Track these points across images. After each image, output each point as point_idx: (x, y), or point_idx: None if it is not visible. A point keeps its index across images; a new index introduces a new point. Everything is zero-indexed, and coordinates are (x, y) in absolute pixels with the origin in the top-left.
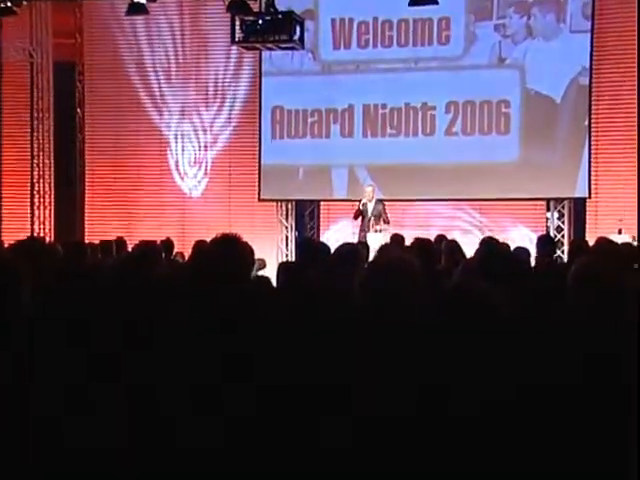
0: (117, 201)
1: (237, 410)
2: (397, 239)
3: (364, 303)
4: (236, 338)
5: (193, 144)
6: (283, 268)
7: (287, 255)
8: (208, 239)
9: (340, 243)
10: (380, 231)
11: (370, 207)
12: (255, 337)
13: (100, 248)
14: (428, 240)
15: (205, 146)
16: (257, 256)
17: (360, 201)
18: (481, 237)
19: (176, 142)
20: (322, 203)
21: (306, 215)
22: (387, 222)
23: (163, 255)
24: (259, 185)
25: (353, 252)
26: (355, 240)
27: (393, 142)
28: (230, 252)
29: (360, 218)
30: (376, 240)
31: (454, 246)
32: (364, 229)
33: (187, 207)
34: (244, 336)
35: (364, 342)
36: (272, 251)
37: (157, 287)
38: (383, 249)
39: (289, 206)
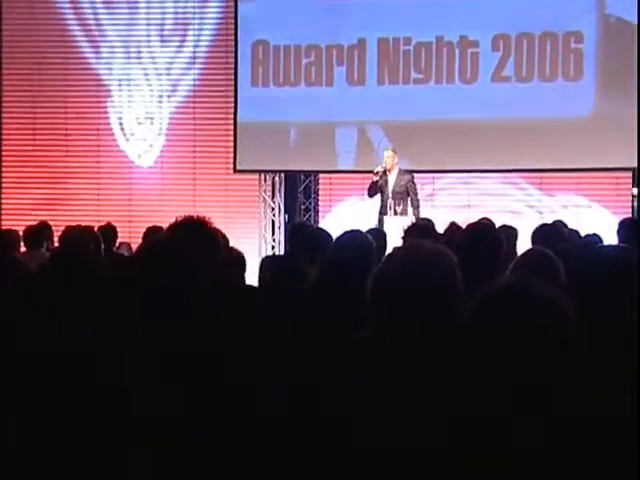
0: (39, 174)
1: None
2: (423, 224)
3: (376, 324)
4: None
5: (143, 94)
6: (268, 265)
7: (273, 247)
8: (164, 225)
9: (345, 231)
10: (401, 213)
11: (392, 179)
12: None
13: (24, 237)
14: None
15: (160, 96)
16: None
17: (376, 172)
18: (540, 222)
19: (120, 91)
20: (322, 176)
21: (299, 192)
22: (416, 204)
23: (102, 246)
24: (235, 151)
25: (361, 246)
26: (371, 226)
27: (419, 91)
28: (195, 243)
29: (379, 194)
30: (395, 226)
31: (507, 233)
32: (382, 211)
33: (135, 181)
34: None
35: (374, 384)
36: (253, 241)
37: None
38: (407, 239)
39: (276, 180)
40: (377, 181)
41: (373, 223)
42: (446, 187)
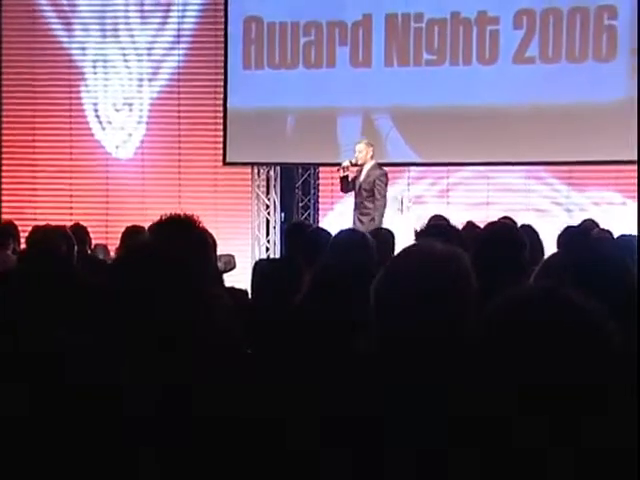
0: (3, 168)
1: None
2: (437, 223)
3: (381, 327)
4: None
5: (121, 77)
6: (262, 270)
7: (268, 249)
8: (145, 225)
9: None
10: (366, 214)
11: (363, 174)
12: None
13: None
14: (499, 225)
15: (140, 80)
16: (221, 251)
17: (341, 167)
18: (568, 221)
19: (95, 74)
20: (322, 170)
21: (297, 188)
22: (379, 204)
23: (75, 248)
24: (224, 141)
25: (359, 247)
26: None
27: (432, 74)
28: (180, 244)
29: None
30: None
31: (530, 234)
32: (354, 205)
33: (112, 175)
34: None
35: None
36: (245, 243)
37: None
38: (419, 238)
39: (271, 174)
40: (346, 176)
41: (384, 220)
42: (462, 182)
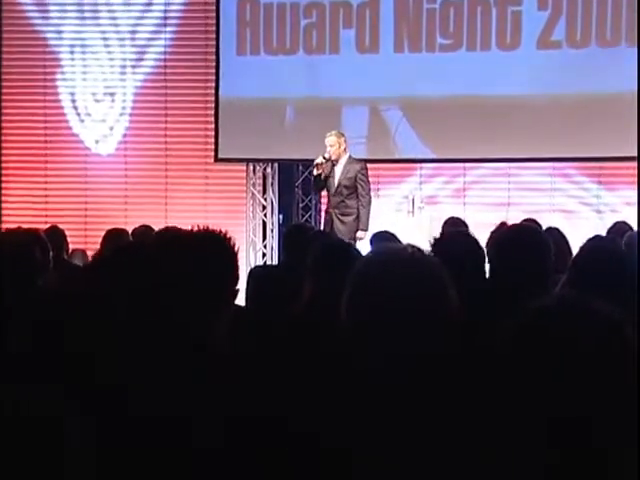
0: None
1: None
2: (456, 230)
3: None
4: None
5: (101, 64)
6: (258, 278)
7: (264, 254)
8: (128, 227)
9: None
10: (347, 214)
11: (338, 170)
12: None
13: None
14: (521, 228)
15: (123, 67)
16: None
17: (315, 164)
18: (598, 223)
19: (72, 60)
20: None
21: (297, 187)
22: (365, 201)
23: (50, 254)
24: (216, 135)
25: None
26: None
27: (447, 61)
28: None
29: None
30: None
31: (556, 238)
32: (329, 205)
33: (91, 173)
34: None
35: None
36: (239, 246)
37: None
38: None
39: (268, 171)
40: (320, 174)
41: (389, 224)
42: (480, 180)
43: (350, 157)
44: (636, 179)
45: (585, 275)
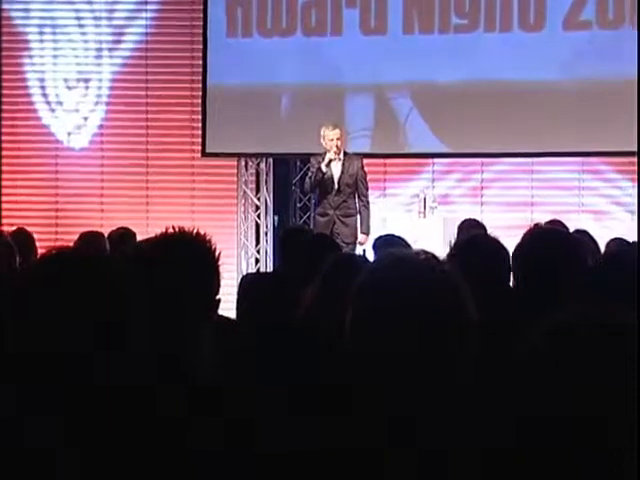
0: None
1: None
2: (470, 228)
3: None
4: None
5: (74, 46)
6: (251, 287)
7: (258, 260)
8: (105, 230)
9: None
10: (349, 215)
11: (337, 167)
12: None
13: None
14: (546, 232)
15: (99, 50)
16: None
17: (325, 164)
18: (633, 225)
19: (41, 42)
20: None
21: (294, 185)
22: (365, 201)
23: (17, 259)
24: (203, 126)
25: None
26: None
27: (462, 43)
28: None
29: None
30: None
31: (584, 243)
32: (321, 212)
33: (63, 169)
34: None
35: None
36: (229, 253)
37: None
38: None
39: (262, 167)
40: (324, 174)
41: (397, 227)
42: (500, 177)
43: (347, 153)
44: None
45: (604, 282)
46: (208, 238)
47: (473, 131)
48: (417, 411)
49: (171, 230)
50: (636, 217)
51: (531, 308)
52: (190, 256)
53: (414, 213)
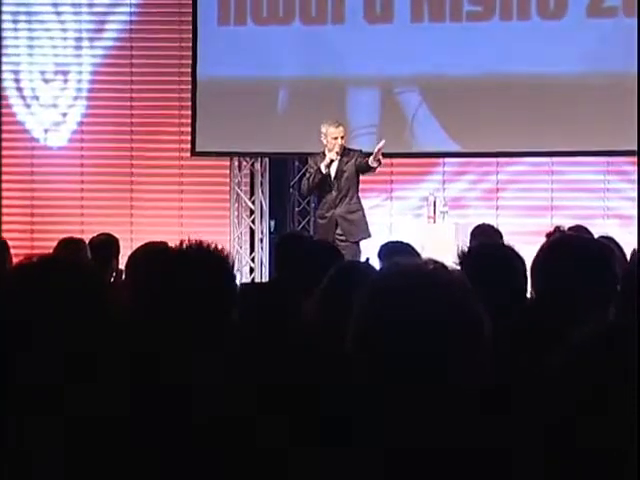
0: None
1: None
2: (484, 235)
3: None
4: None
5: (52, 35)
6: (245, 299)
7: (252, 269)
8: (85, 237)
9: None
10: (355, 211)
11: (334, 166)
12: None
13: None
14: (569, 238)
15: (78, 40)
16: None
17: (325, 165)
18: None
19: (16, 31)
20: None
21: (292, 187)
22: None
23: None
24: (193, 123)
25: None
26: (376, 235)
27: (476, 32)
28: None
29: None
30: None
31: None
32: (321, 214)
33: (39, 170)
34: None
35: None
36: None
37: None
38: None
39: (257, 168)
40: (323, 175)
41: (404, 233)
42: (517, 179)
43: (346, 148)
44: None
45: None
46: (227, 252)
47: (488, 128)
48: (431, 423)
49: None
50: None
51: (550, 322)
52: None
53: (423, 218)
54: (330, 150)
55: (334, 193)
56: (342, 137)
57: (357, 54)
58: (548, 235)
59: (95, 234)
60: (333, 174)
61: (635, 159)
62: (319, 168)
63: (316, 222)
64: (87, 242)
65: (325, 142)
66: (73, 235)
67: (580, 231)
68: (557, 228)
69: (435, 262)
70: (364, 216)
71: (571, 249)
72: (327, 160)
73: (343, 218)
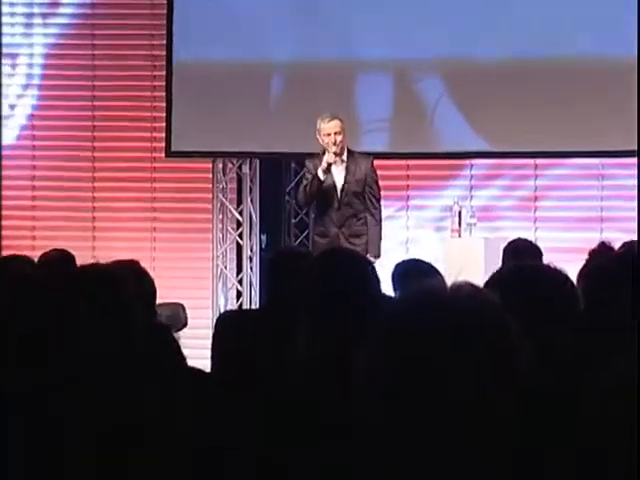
0: None
1: None
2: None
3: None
4: None
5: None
6: (230, 328)
7: (240, 293)
8: (35, 254)
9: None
10: (358, 235)
11: (338, 172)
12: None
13: None
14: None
15: (29, 16)
16: (162, 298)
17: (324, 167)
18: None
19: None
20: None
21: (287, 194)
22: (375, 212)
23: None
24: (168, 118)
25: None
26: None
27: (509, 6)
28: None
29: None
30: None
31: None
32: (319, 232)
33: None
34: None
35: None
36: (202, 284)
37: None
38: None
39: (245, 171)
40: (322, 182)
41: (424, 249)
42: (559, 184)
43: (350, 152)
44: None
45: None
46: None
47: (523, 124)
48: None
49: None
50: None
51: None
52: None
53: (446, 232)
54: (327, 151)
55: (337, 208)
56: (337, 133)
57: (365, 33)
58: (591, 253)
59: (48, 249)
60: (338, 185)
61: None
62: (317, 174)
63: (315, 240)
64: (36, 260)
65: (320, 140)
66: (20, 251)
67: (633, 249)
68: (602, 244)
69: (471, 285)
70: (375, 238)
71: (618, 266)
72: (324, 164)
73: (346, 239)
